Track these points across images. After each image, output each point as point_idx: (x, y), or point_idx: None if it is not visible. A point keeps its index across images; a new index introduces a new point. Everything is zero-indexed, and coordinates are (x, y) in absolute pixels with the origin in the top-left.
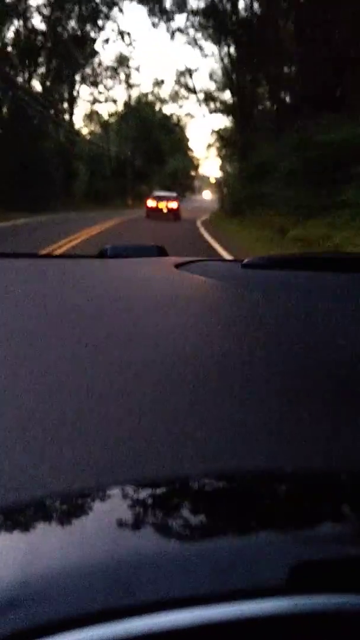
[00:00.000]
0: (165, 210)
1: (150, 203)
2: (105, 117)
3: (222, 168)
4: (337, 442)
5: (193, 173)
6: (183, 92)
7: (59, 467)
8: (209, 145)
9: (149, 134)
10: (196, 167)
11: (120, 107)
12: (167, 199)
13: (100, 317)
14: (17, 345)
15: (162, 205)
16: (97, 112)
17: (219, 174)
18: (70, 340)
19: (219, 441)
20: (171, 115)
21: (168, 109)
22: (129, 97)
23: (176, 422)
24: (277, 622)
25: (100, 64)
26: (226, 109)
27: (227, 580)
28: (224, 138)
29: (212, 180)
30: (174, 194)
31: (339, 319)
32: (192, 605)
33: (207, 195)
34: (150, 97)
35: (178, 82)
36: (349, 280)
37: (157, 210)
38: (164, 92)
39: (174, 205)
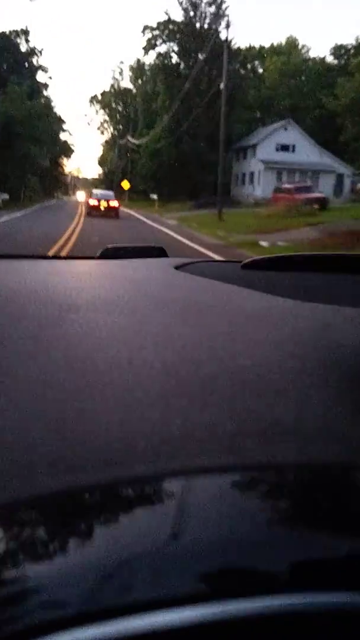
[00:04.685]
0: (102, 209)
1: (92, 202)
2: None
3: (103, 159)
4: (335, 440)
5: (66, 168)
6: None
7: (58, 465)
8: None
9: None
10: (68, 154)
11: None
12: (107, 198)
13: (100, 317)
14: (18, 345)
15: (103, 204)
16: None
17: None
18: (71, 340)
19: (219, 439)
20: None
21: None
22: None
23: (176, 420)
24: (276, 620)
25: None
26: None
27: (225, 578)
28: None
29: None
30: (111, 193)
31: (339, 319)
32: (190, 604)
33: (81, 196)
34: None
35: None
36: (349, 281)
37: (97, 208)
38: None
39: (114, 203)
